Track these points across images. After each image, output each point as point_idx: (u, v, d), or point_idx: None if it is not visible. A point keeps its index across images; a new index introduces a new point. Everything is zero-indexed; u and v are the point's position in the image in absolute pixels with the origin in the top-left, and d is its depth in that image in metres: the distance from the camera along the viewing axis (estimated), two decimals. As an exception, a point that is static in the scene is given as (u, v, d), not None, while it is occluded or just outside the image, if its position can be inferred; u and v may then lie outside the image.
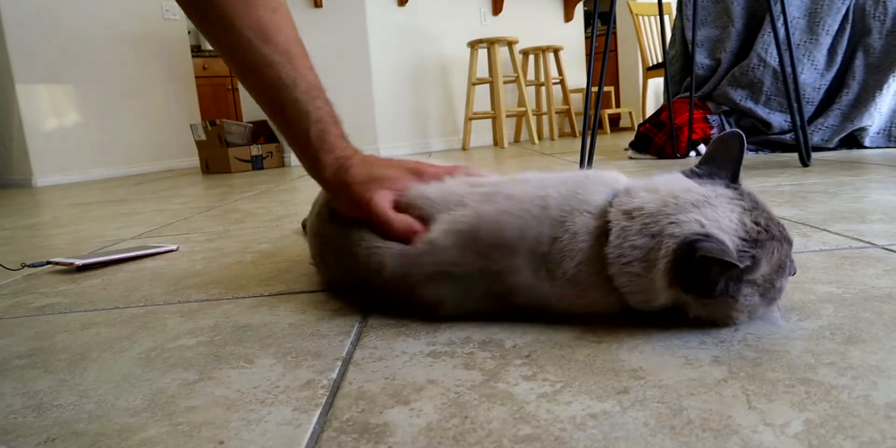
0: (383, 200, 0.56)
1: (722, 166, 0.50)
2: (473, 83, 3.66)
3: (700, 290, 0.44)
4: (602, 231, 0.48)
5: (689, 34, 2.25)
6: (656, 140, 2.17)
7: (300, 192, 1.86)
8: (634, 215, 0.47)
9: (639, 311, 0.49)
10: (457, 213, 0.53)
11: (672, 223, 0.45)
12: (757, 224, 0.45)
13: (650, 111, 4.17)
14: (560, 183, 0.53)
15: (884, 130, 1.96)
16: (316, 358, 0.47)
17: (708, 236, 0.43)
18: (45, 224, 1.57)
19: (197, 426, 0.38)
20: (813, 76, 2.01)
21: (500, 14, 4.18)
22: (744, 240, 0.44)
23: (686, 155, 2.09)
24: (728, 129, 2.15)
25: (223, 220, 1.33)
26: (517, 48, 3.84)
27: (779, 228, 0.46)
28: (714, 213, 0.45)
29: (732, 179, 0.50)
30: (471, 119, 3.69)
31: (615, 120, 5.22)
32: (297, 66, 0.59)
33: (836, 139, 1.95)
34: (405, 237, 0.54)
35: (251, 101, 3.59)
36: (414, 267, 0.53)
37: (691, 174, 0.51)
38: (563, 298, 0.50)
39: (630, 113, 4.87)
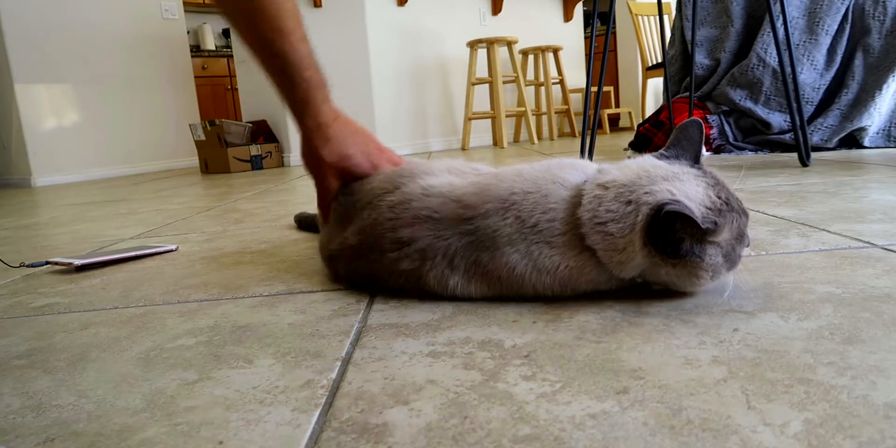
0: (331, 187, 0.72)
1: (686, 149, 0.57)
2: (473, 83, 3.66)
3: (669, 248, 0.50)
4: (575, 201, 0.54)
5: (688, 34, 2.25)
6: (656, 140, 2.17)
7: (299, 192, 1.86)
8: (608, 186, 0.53)
9: (620, 284, 0.55)
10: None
11: (646, 193, 0.51)
12: (719, 197, 0.52)
13: (649, 111, 4.17)
14: (537, 167, 0.61)
15: (883, 130, 1.96)
16: (315, 358, 0.47)
17: (677, 202, 0.49)
18: (44, 224, 1.57)
19: (196, 426, 0.38)
20: (812, 76, 2.01)
21: (500, 14, 4.18)
22: (708, 208, 0.50)
23: (685, 155, 2.08)
24: (728, 129, 2.15)
25: (222, 220, 1.33)
26: (516, 48, 3.84)
27: (737, 202, 0.53)
28: (682, 185, 0.51)
29: (695, 161, 0.57)
30: (470, 119, 3.69)
31: (614, 120, 5.22)
32: (290, 40, 0.69)
33: (836, 139, 1.95)
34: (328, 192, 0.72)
35: (250, 100, 3.59)
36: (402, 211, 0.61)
37: (660, 156, 0.57)
38: (533, 249, 0.54)
39: (629, 113, 4.87)
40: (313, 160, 0.72)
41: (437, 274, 0.57)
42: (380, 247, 0.61)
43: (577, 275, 0.54)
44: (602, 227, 0.52)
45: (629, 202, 0.51)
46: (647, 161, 0.57)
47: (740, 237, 0.53)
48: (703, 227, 0.48)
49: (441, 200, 0.59)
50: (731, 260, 0.52)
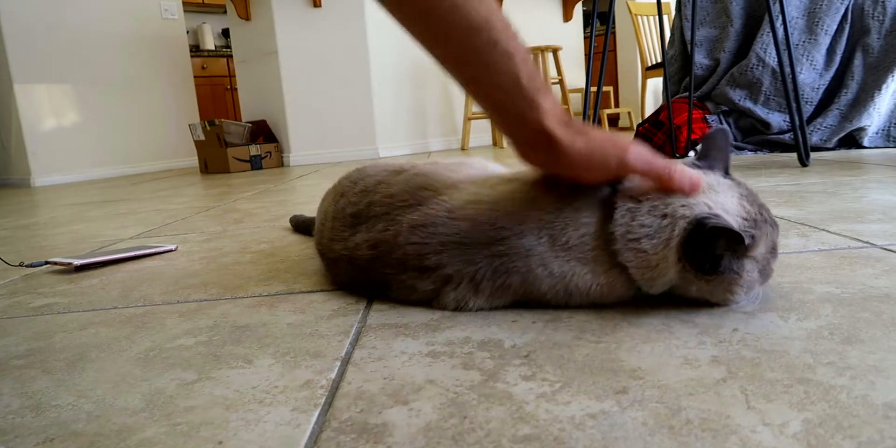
0: (642, 150, 0.51)
1: (717, 159, 0.56)
2: (472, 83, 3.66)
3: (707, 265, 0.48)
4: (606, 212, 0.52)
5: (687, 34, 2.25)
6: (655, 140, 2.17)
7: (299, 192, 1.86)
8: (641, 199, 0.51)
9: (638, 294, 0.53)
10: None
11: (683, 205, 0.49)
12: (753, 209, 0.50)
13: (649, 111, 4.17)
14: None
15: (882, 130, 1.96)
16: (315, 358, 0.47)
17: (717, 215, 0.48)
18: (44, 224, 1.57)
19: (196, 426, 0.38)
20: (812, 76, 2.01)
21: (499, 14, 4.18)
22: (745, 220, 0.49)
23: (685, 155, 2.09)
24: (727, 129, 2.15)
25: (222, 220, 1.33)
26: (516, 48, 3.83)
27: (769, 214, 0.52)
28: (718, 197, 0.50)
29: (725, 171, 0.55)
30: (470, 119, 3.69)
31: (614, 120, 5.22)
32: (487, 2, 0.51)
33: (835, 139, 1.95)
34: (692, 189, 0.50)
35: (250, 100, 3.58)
36: None
37: (692, 166, 0.55)
38: (565, 269, 0.52)
39: (629, 113, 4.87)
40: (598, 151, 0.51)
41: (458, 296, 0.55)
42: (400, 266, 0.57)
43: (607, 292, 0.52)
44: (636, 243, 0.50)
45: (664, 216, 0.49)
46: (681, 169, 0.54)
47: (774, 250, 0.52)
48: (745, 242, 0.47)
49: (470, 224, 0.55)
50: (766, 274, 0.51)
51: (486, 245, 0.54)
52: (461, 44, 0.51)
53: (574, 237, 0.52)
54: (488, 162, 0.73)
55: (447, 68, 0.55)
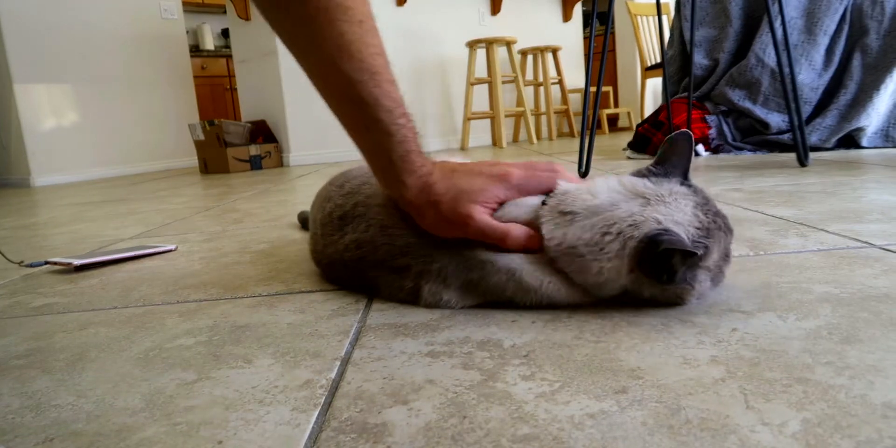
0: (482, 214, 0.55)
1: (675, 165, 0.55)
2: (472, 83, 3.66)
3: (662, 277, 0.49)
4: (536, 223, 0.54)
5: (687, 34, 2.25)
6: (654, 140, 2.17)
7: (298, 192, 1.86)
8: (571, 213, 0.52)
9: (593, 297, 0.54)
10: None
11: (630, 225, 0.49)
12: (707, 217, 0.51)
13: (648, 111, 4.17)
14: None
15: (881, 131, 1.96)
16: (314, 358, 0.47)
17: (667, 231, 0.48)
18: (43, 224, 1.57)
19: (195, 426, 0.38)
20: (811, 76, 2.02)
21: (499, 14, 4.19)
22: (698, 229, 0.50)
23: (684, 155, 2.09)
24: (726, 129, 2.15)
25: (221, 220, 1.33)
26: (515, 48, 3.84)
27: (724, 220, 0.53)
28: (667, 208, 0.50)
29: (684, 176, 0.55)
30: (469, 119, 3.69)
31: (613, 120, 5.22)
32: (380, 82, 0.55)
33: (834, 139, 1.95)
34: (527, 246, 0.54)
35: (250, 100, 3.58)
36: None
37: (647, 173, 0.55)
38: (513, 266, 0.54)
39: (628, 113, 4.87)
40: (446, 221, 0.56)
41: (432, 291, 0.57)
42: (381, 266, 0.60)
43: (559, 291, 0.53)
44: (571, 250, 0.51)
45: (607, 233, 0.50)
46: (625, 180, 0.54)
47: (727, 256, 0.53)
48: (699, 254, 0.48)
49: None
50: (717, 280, 0.53)
51: (443, 243, 0.56)
52: (349, 114, 0.56)
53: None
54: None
55: (330, 109, 0.58)
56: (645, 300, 0.52)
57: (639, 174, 0.55)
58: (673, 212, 0.50)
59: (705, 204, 0.52)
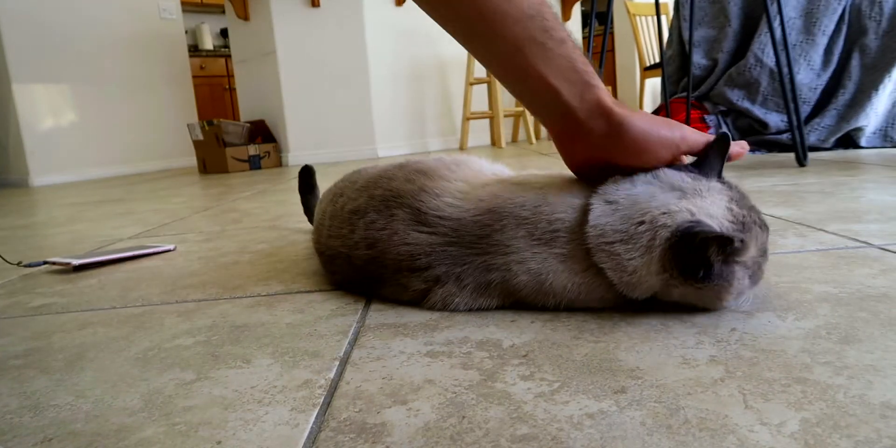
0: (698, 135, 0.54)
1: (712, 165, 0.54)
2: (471, 83, 3.66)
3: (697, 274, 0.47)
4: (583, 211, 0.52)
5: (685, 34, 2.25)
6: (653, 140, 2.17)
7: (297, 192, 1.85)
8: (616, 201, 0.50)
9: (622, 299, 0.51)
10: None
11: (664, 213, 0.48)
12: (742, 210, 0.50)
13: (647, 111, 4.17)
14: (541, 177, 0.59)
15: (880, 130, 1.96)
16: (313, 358, 0.47)
17: (699, 222, 0.47)
18: (42, 224, 1.57)
19: (194, 426, 0.38)
20: (809, 76, 2.02)
21: (498, 14, 4.18)
22: (732, 223, 0.48)
23: (683, 155, 2.09)
24: (725, 128, 2.15)
25: (220, 220, 1.33)
26: (515, 48, 3.83)
27: (758, 215, 0.51)
28: (702, 201, 0.49)
29: (718, 174, 0.54)
30: (468, 119, 3.69)
31: (612, 120, 5.22)
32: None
33: (833, 139, 1.95)
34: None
35: (249, 100, 3.58)
36: None
37: (682, 168, 0.54)
38: (542, 266, 0.52)
39: (627, 113, 4.86)
40: (660, 124, 0.53)
41: (444, 294, 0.55)
42: (394, 265, 0.58)
43: (585, 293, 0.51)
44: (609, 246, 0.49)
45: (640, 223, 0.48)
46: (661, 173, 0.52)
47: (764, 253, 0.51)
48: (736, 243, 0.45)
49: (457, 224, 0.55)
50: (756, 278, 0.50)
51: (471, 244, 0.54)
52: (514, 32, 0.52)
53: (549, 233, 0.51)
54: (487, 161, 0.73)
55: (493, 62, 0.56)
56: (676, 304, 0.50)
57: (676, 169, 0.53)
58: (707, 205, 0.49)
59: (741, 199, 0.51)
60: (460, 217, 0.56)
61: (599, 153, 0.54)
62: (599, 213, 0.50)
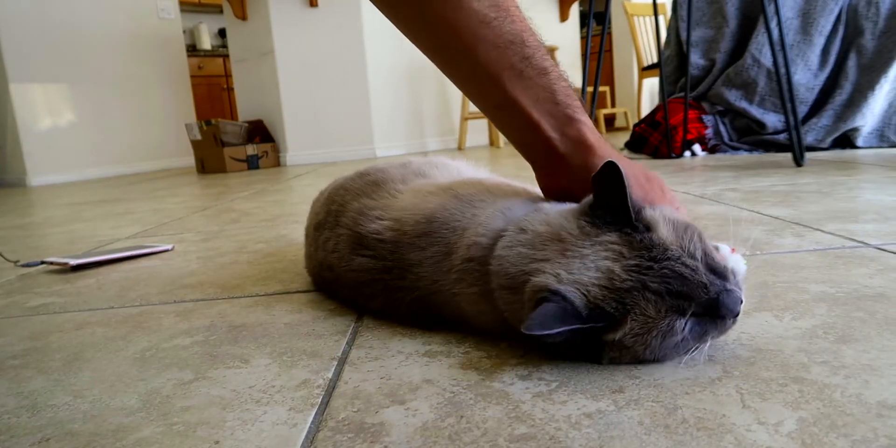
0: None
1: (612, 206, 0.42)
2: (469, 83, 3.66)
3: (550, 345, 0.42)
4: (498, 236, 0.46)
5: (683, 34, 2.26)
6: (651, 140, 2.17)
7: (295, 192, 1.86)
8: (528, 229, 0.45)
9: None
10: None
11: (536, 268, 0.42)
12: (630, 274, 0.39)
13: (645, 111, 4.18)
14: (471, 189, 0.54)
15: (876, 131, 1.97)
16: (312, 358, 0.47)
17: (556, 293, 0.39)
18: (40, 224, 1.57)
19: (192, 426, 0.38)
20: (806, 76, 2.02)
21: (496, 14, 4.18)
22: (605, 290, 0.39)
23: (681, 155, 2.09)
24: (723, 129, 2.16)
25: (218, 220, 1.33)
26: (513, 48, 3.83)
27: (667, 279, 0.39)
28: (576, 264, 0.40)
29: (624, 214, 0.42)
30: (466, 119, 3.69)
31: (610, 120, 5.22)
32: (515, 18, 0.50)
33: (830, 139, 1.96)
34: None
35: (247, 100, 3.57)
36: None
37: (582, 213, 0.44)
38: (455, 289, 0.48)
39: (625, 113, 4.87)
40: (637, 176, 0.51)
41: (384, 309, 0.55)
42: (350, 287, 0.57)
43: (497, 323, 0.46)
44: (502, 291, 0.44)
45: (526, 273, 0.42)
46: (563, 214, 0.45)
47: (667, 331, 0.38)
48: (585, 325, 0.38)
49: (394, 246, 0.52)
50: (653, 353, 0.39)
51: (406, 267, 0.51)
52: (490, 58, 0.49)
53: (465, 262, 0.47)
54: (465, 164, 0.70)
55: (470, 88, 0.53)
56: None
57: (580, 212, 0.44)
58: (580, 268, 0.40)
59: (639, 254, 0.40)
60: (398, 240, 0.52)
61: (577, 187, 0.49)
62: (507, 243, 0.45)
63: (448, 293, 0.48)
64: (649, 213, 0.43)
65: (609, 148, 0.51)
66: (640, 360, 0.40)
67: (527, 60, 0.50)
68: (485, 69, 0.50)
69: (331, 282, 0.61)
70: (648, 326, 0.38)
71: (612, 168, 0.41)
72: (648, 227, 0.41)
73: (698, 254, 0.40)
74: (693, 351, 0.40)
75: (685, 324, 0.39)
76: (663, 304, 0.38)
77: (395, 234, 0.53)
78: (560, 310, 0.38)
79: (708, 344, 0.40)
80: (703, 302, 0.39)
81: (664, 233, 0.41)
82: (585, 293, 0.39)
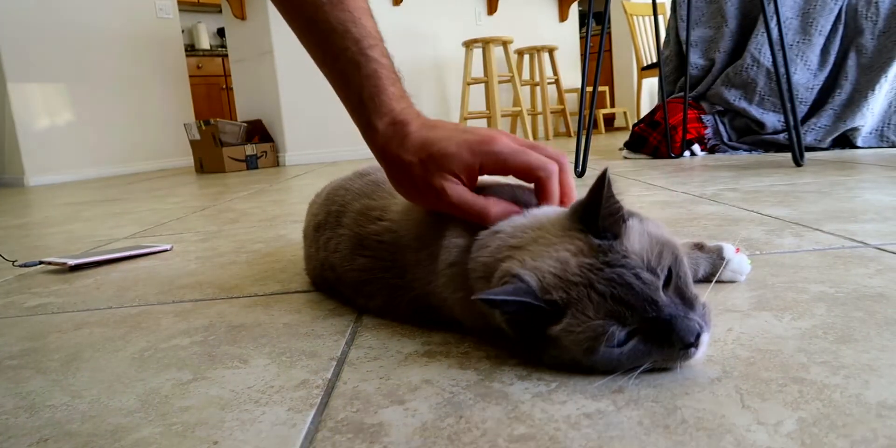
0: (454, 187, 0.47)
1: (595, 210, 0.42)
2: (468, 83, 3.66)
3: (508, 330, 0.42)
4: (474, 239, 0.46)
5: (683, 34, 2.26)
6: (651, 140, 2.17)
7: (294, 192, 1.85)
8: (502, 229, 0.45)
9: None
10: None
11: (506, 257, 0.42)
12: (581, 269, 0.39)
13: (645, 111, 4.18)
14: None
15: (876, 130, 1.97)
16: (311, 358, 0.47)
17: (517, 276, 0.40)
18: (38, 224, 1.56)
19: (191, 426, 0.38)
20: (806, 76, 2.02)
21: (495, 14, 4.18)
22: (556, 276, 0.39)
23: (680, 155, 2.09)
24: (722, 128, 2.16)
25: (217, 220, 1.33)
26: (512, 48, 3.84)
27: (616, 287, 0.38)
28: (543, 250, 0.41)
29: (598, 224, 0.41)
30: (466, 119, 3.69)
31: (610, 120, 5.23)
32: (350, 8, 0.50)
33: (829, 139, 1.96)
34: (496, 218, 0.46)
35: (246, 100, 3.58)
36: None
37: (572, 211, 0.44)
38: (444, 297, 0.48)
39: (625, 113, 4.88)
40: (416, 190, 0.49)
41: (381, 309, 0.55)
42: (352, 287, 0.57)
43: (489, 329, 0.45)
44: (477, 282, 0.44)
45: (498, 260, 0.43)
46: (556, 209, 0.46)
47: (595, 335, 0.37)
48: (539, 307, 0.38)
49: (393, 247, 0.53)
50: (595, 354, 0.38)
51: (404, 267, 0.52)
52: (314, 41, 0.51)
53: (449, 266, 0.47)
54: None
55: (300, 40, 0.54)
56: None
57: (571, 208, 0.44)
58: (539, 252, 0.41)
59: (593, 257, 0.39)
60: (396, 241, 0.53)
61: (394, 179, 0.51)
62: (481, 243, 0.45)
63: (440, 296, 0.49)
64: (631, 223, 0.42)
65: (398, 150, 0.49)
66: (575, 363, 0.39)
67: (341, 52, 0.50)
68: (313, 52, 0.52)
69: (332, 281, 0.61)
70: (584, 325, 0.38)
71: (602, 175, 0.40)
72: (616, 235, 0.41)
73: (661, 271, 0.39)
74: (629, 371, 0.38)
75: (624, 335, 0.37)
76: (603, 307, 0.38)
77: (394, 236, 0.53)
78: (515, 288, 0.39)
79: (641, 369, 0.38)
80: (651, 319, 0.37)
81: (632, 243, 0.40)
82: (541, 279, 0.39)
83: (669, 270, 0.39)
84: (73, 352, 0.53)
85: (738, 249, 0.59)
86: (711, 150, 2.13)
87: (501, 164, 0.47)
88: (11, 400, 0.43)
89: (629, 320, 0.37)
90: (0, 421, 0.40)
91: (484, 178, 0.50)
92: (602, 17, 4.43)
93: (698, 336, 0.37)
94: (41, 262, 0.93)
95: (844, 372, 0.38)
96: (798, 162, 1.56)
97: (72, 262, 0.88)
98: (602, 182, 0.40)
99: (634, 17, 3.85)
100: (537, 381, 0.40)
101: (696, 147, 2.12)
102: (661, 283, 0.39)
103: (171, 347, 0.52)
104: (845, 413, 0.33)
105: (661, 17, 2.28)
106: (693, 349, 0.37)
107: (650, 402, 0.36)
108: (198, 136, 3.25)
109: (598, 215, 0.41)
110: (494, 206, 0.46)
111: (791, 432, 0.32)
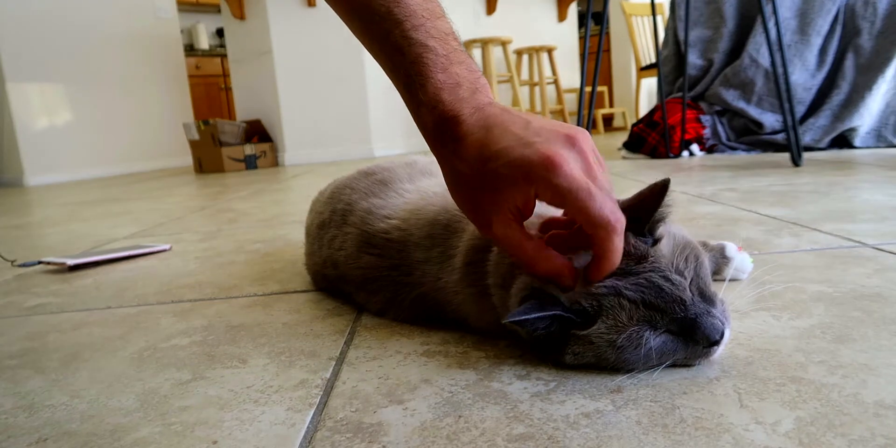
0: (505, 227, 0.40)
1: (643, 214, 0.42)
2: (467, 83, 3.66)
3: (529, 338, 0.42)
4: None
5: (681, 34, 2.26)
6: (649, 140, 2.18)
7: (293, 192, 1.85)
8: None
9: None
10: None
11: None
12: (603, 282, 0.39)
13: (643, 111, 4.18)
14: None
15: (874, 131, 1.97)
16: (310, 357, 0.47)
17: (539, 290, 0.40)
18: (37, 223, 1.56)
19: (190, 426, 0.38)
20: (804, 76, 2.02)
21: (494, 14, 4.18)
22: (588, 292, 0.39)
23: (679, 155, 2.09)
24: (720, 128, 2.16)
25: (216, 220, 1.33)
26: (511, 48, 3.84)
27: (646, 291, 0.38)
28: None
29: (644, 227, 0.42)
30: (464, 119, 3.69)
31: (609, 120, 5.23)
32: None
33: (827, 139, 1.96)
34: (556, 281, 0.41)
35: (245, 100, 3.57)
36: None
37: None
38: (457, 289, 0.48)
39: (623, 113, 4.88)
40: (468, 204, 0.43)
41: (383, 308, 0.55)
42: (355, 284, 0.58)
43: (496, 326, 0.46)
44: (496, 289, 0.45)
45: (505, 275, 0.43)
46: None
47: (632, 339, 0.38)
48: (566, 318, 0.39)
49: (401, 245, 0.53)
50: (624, 354, 0.39)
51: (412, 265, 0.52)
52: (363, 31, 0.46)
53: (461, 263, 0.48)
54: None
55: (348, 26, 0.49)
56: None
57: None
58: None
59: (625, 263, 0.39)
60: (405, 240, 0.53)
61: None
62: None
63: (450, 292, 0.49)
64: (662, 228, 0.43)
65: (476, 126, 0.41)
66: (600, 360, 0.40)
67: (384, 37, 0.44)
68: (362, 41, 0.47)
69: (333, 279, 0.61)
70: (618, 330, 0.38)
71: (664, 182, 0.41)
72: (656, 240, 0.41)
73: (688, 273, 0.40)
74: (654, 367, 0.39)
75: (655, 337, 0.38)
76: (636, 313, 0.38)
77: (402, 234, 0.54)
78: (541, 303, 0.39)
79: (664, 366, 0.39)
80: (679, 319, 0.38)
81: (662, 247, 0.41)
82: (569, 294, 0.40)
83: (694, 271, 0.41)
84: (72, 352, 0.53)
85: (740, 248, 0.60)
86: (710, 150, 2.13)
87: (558, 202, 0.40)
88: (11, 400, 0.43)
89: (660, 324, 0.38)
90: (0, 421, 0.40)
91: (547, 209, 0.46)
92: (601, 18, 4.45)
93: (723, 334, 0.39)
94: (40, 262, 0.93)
95: (842, 371, 0.38)
96: (796, 162, 1.56)
97: (71, 261, 0.88)
98: (664, 189, 0.41)
99: (633, 18, 3.85)
100: (536, 380, 0.40)
101: (694, 147, 2.12)
102: (688, 283, 0.40)
103: (170, 347, 0.52)
104: (843, 412, 0.33)
105: (659, 18, 2.29)
106: (716, 347, 0.39)
107: (648, 402, 0.36)
108: (197, 136, 3.24)
109: (650, 220, 0.41)
110: (543, 262, 0.40)
111: (789, 431, 0.32)
